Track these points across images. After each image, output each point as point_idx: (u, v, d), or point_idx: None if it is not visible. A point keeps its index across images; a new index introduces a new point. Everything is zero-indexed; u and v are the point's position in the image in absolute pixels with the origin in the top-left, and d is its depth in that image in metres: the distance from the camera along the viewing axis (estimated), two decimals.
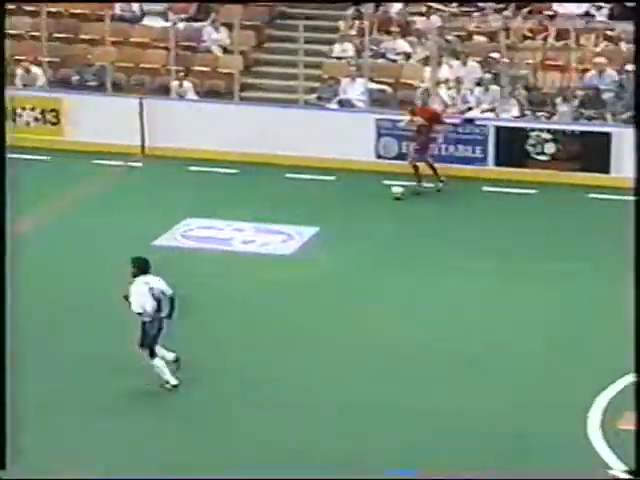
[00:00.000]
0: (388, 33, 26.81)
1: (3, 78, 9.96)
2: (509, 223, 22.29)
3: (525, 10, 26.70)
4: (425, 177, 23.55)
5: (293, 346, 17.34)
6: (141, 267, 16.09)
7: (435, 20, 26.73)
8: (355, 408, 15.42)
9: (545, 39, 26.22)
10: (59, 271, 19.85)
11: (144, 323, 15.84)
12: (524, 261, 20.27)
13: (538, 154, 24.39)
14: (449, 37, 26.42)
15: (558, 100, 25.05)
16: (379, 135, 24.95)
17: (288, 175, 23.55)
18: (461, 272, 19.87)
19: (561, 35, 26.10)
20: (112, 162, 24.92)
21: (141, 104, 25.61)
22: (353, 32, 26.89)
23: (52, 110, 26.11)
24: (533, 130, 24.39)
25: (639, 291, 10.95)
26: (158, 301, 15.97)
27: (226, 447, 14.59)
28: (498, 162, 24.55)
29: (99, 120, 25.56)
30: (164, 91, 26.40)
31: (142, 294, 15.79)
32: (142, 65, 27.00)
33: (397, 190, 23.20)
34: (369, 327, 17.84)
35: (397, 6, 27.33)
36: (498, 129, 24.50)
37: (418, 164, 23.53)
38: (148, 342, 15.83)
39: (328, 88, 26.13)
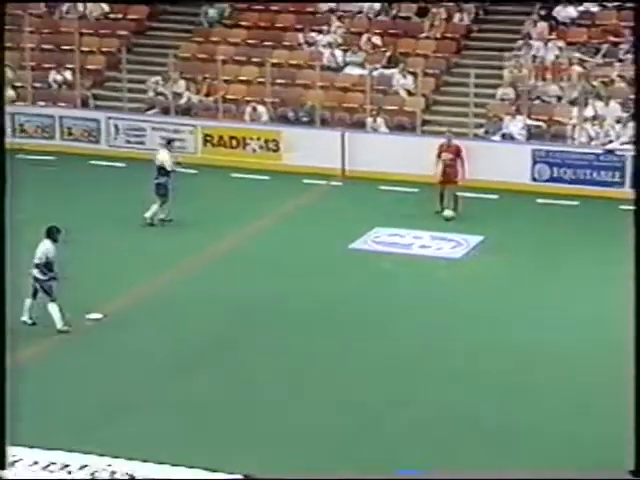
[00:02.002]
0: (543, 79, 26.74)
1: (3, 79, 9.04)
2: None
3: None
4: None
5: (465, 330, 17.39)
6: (49, 233, 16.88)
7: (582, 69, 26.58)
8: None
9: None
10: (276, 268, 20.27)
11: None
12: None
13: None
14: (594, 82, 26.35)
15: None
16: (534, 162, 25.01)
17: (459, 193, 23.14)
18: (605, 276, 19.58)
19: None
20: (318, 182, 25.18)
21: (342, 136, 25.99)
22: (513, 79, 26.81)
23: (273, 140, 26.48)
24: None
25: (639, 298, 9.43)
26: (48, 263, 16.68)
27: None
28: (634, 185, 23.93)
29: (309, 148, 25.87)
30: (361, 125, 26.69)
31: (40, 251, 16.76)
32: (344, 105, 27.33)
33: (449, 214, 22.73)
34: (528, 321, 17.70)
35: (550, 57, 27.12)
36: (635, 158, 24.24)
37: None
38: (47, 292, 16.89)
39: (493, 124, 26.22)
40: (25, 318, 17.06)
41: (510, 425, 14.35)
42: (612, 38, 27.22)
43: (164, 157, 22.29)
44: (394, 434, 14.15)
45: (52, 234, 16.93)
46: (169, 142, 22.86)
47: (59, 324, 16.88)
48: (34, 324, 17.10)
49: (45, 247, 16.86)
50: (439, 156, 23.15)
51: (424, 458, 13.49)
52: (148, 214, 22.21)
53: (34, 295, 17.07)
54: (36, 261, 16.79)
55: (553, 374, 15.89)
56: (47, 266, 16.83)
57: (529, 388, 15.45)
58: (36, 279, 16.87)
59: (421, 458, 13.50)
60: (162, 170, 22.12)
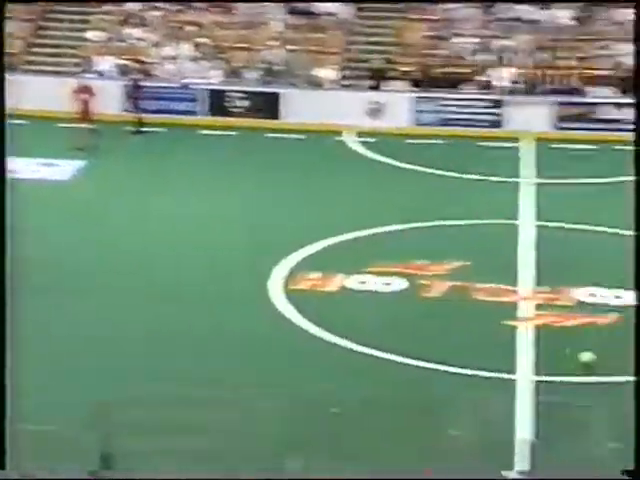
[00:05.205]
0: (129, 24, 27.29)
1: (3, 76, 8.30)
2: (218, 156, 23.51)
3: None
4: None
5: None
6: None
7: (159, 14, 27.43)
8: None
9: None
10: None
11: None
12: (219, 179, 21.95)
13: (234, 107, 25.87)
14: (172, 27, 27.15)
15: (247, 71, 26.70)
16: (124, 96, 25.54)
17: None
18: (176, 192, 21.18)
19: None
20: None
21: None
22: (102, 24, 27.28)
23: None
24: (231, 91, 26.04)
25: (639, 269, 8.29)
26: None
27: None
28: (210, 113, 25.87)
29: None
30: None
31: None
32: None
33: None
34: (136, 236, 18.82)
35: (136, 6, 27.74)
36: (210, 91, 26.04)
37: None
38: None
39: (87, 63, 26.59)
40: None
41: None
42: None
43: None
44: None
45: None
46: None
47: None
48: None
49: None
50: (77, 97, 23.54)
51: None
52: None
53: None
54: None
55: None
56: None
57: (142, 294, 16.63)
58: None
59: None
60: None
